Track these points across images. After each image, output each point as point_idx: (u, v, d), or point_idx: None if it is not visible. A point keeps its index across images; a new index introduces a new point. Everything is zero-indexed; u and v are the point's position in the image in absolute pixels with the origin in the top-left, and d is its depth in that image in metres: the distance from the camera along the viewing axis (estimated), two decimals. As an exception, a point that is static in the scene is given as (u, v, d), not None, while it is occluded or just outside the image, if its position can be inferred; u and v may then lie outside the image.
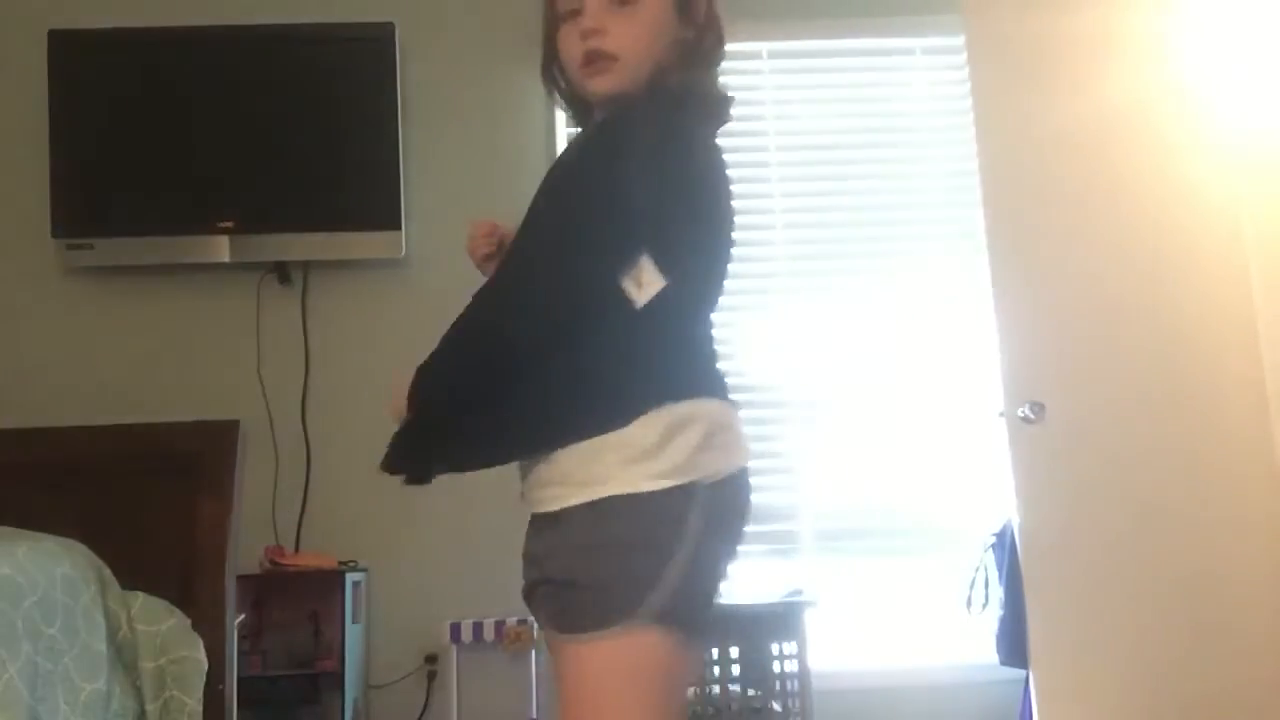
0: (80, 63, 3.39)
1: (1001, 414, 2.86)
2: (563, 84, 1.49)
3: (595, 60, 1.38)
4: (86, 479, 2.12)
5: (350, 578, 3.11)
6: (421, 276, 3.47)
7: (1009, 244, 2.92)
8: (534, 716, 3.21)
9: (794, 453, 3.46)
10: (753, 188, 3.60)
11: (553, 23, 1.44)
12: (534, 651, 3.23)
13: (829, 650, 3.21)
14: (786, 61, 3.67)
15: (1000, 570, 3.04)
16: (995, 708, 3.19)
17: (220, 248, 3.34)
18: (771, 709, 2.92)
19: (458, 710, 3.20)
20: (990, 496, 3.19)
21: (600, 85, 1.39)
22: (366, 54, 3.43)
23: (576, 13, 1.39)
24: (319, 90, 3.44)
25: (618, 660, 1.25)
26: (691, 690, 2.92)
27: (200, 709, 1.90)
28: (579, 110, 1.51)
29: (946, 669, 3.29)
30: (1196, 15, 3.02)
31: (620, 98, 1.38)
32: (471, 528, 3.31)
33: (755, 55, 3.65)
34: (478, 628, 3.21)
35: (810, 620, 3.00)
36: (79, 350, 3.39)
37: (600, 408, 1.28)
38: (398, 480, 1.57)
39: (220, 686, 1.96)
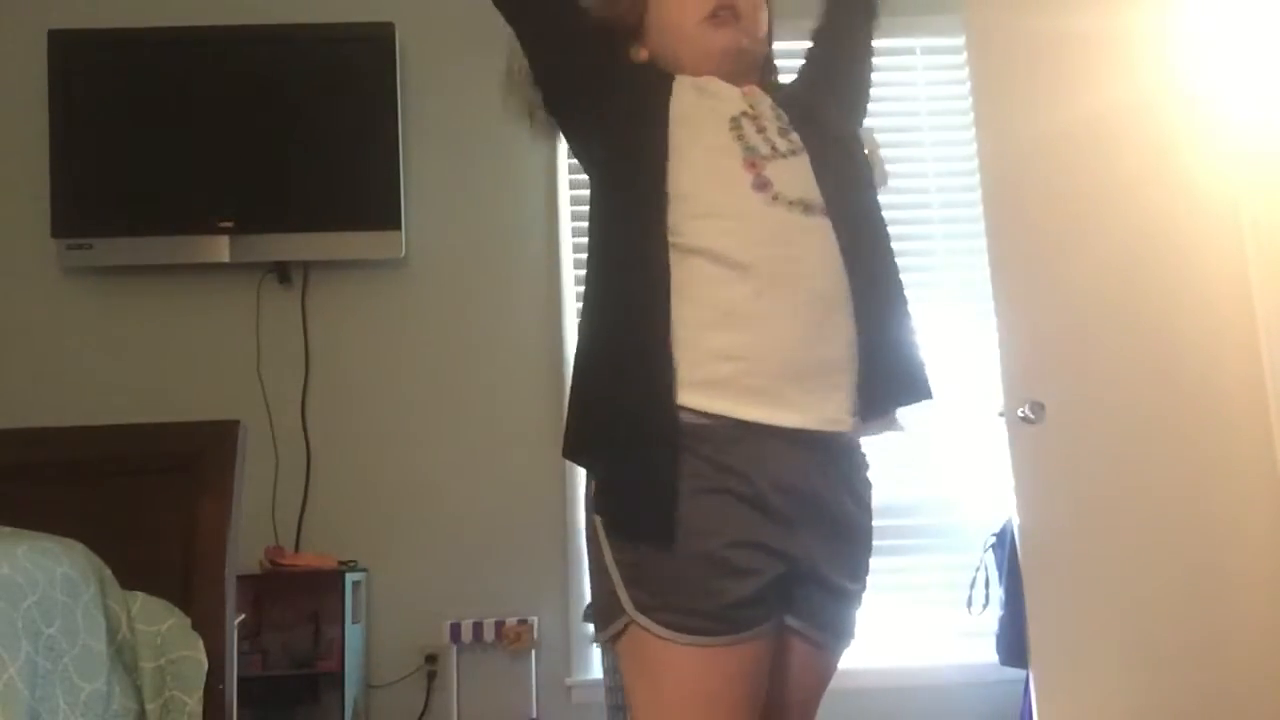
0: (80, 63, 3.39)
1: (1001, 414, 2.86)
2: (625, 62, 1.48)
3: (721, 13, 1.42)
4: (86, 479, 2.12)
5: (350, 578, 3.11)
6: (421, 276, 3.48)
7: (1009, 244, 2.92)
8: (534, 716, 3.21)
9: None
10: (753, 188, 3.60)
11: None
12: (534, 651, 3.23)
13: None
14: (787, 61, 3.65)
15: (1000, 570, 3.04)
16: (995, 708, 3.19)
17: (220, 248, 3.34)
18: (771, 709, 2.92)
19: (458, 710, 3.20)
20: (990, 496, 3.19)
21: (726, 37, 1.43)
22: (366, 54, 3.44)
23: None
24: (319, 90, 3.44)
25: None
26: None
27: (200, 709, 1.90)
28: (645, 72, 1.47)
29: (946, 669, 3.29)
30: (1196, 15, 3.02)
31: (737, 55, 1.44)
32: (471, 528, 3.31)
33: (755, 55, 3.65)
34: (478, 628, 3.22)
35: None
36: (79, 350, 3.39)
37: None
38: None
39: (220, 686, 1.95)
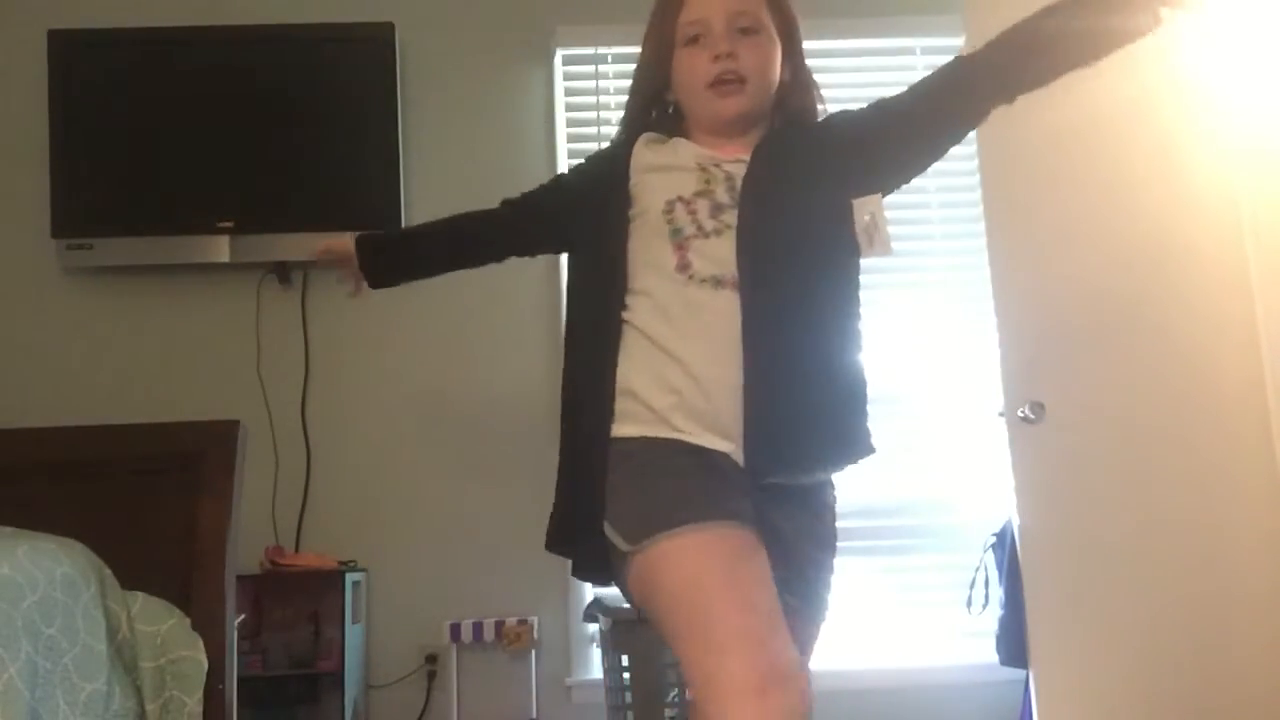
0: (80, 63, 3.39)
1: (1001, 414, 2.86)
2: (666, 104, 1.62)
3: (727, 82, 1.53)
4: (86, 479, 2.12)
5: (350, 578, 3.11)
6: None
7: (1009, 243, 2.92)
8: (534, 716, 3.21)
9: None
10: (753, 188, 3.60)
11: (667, 47, 1.58)
12: (534, 651, 3.23)
13: (829, 650, 3.21)
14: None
15: (1000, 570, 3.04)
16: (995, 708, 3.19)
17: (220, 248, 3.34)
18: (771, 709, 2.92)
19: (458, 710, 3.20)
20: (990, 496, 3.19)
21: (731, 106, 1.54)
22: (366, 54, 3.43)
23: (697, 39, 1.55)
24: (319, 90, 3.44)
25: None
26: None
27: (200, 709, 1.90)
28: (658, 126, 1.64)
29: (946, 669, 3.29)
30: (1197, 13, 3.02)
31: (746, 117, 1.55)
32: (471, 528, 3.31)
33: (755, 55, 3.65)
34: (478, 628, 3.22)
35: (810, 620, 2.99)
36: (79, 350, 3.39)
37: None
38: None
39: (220, 686, 1.95)
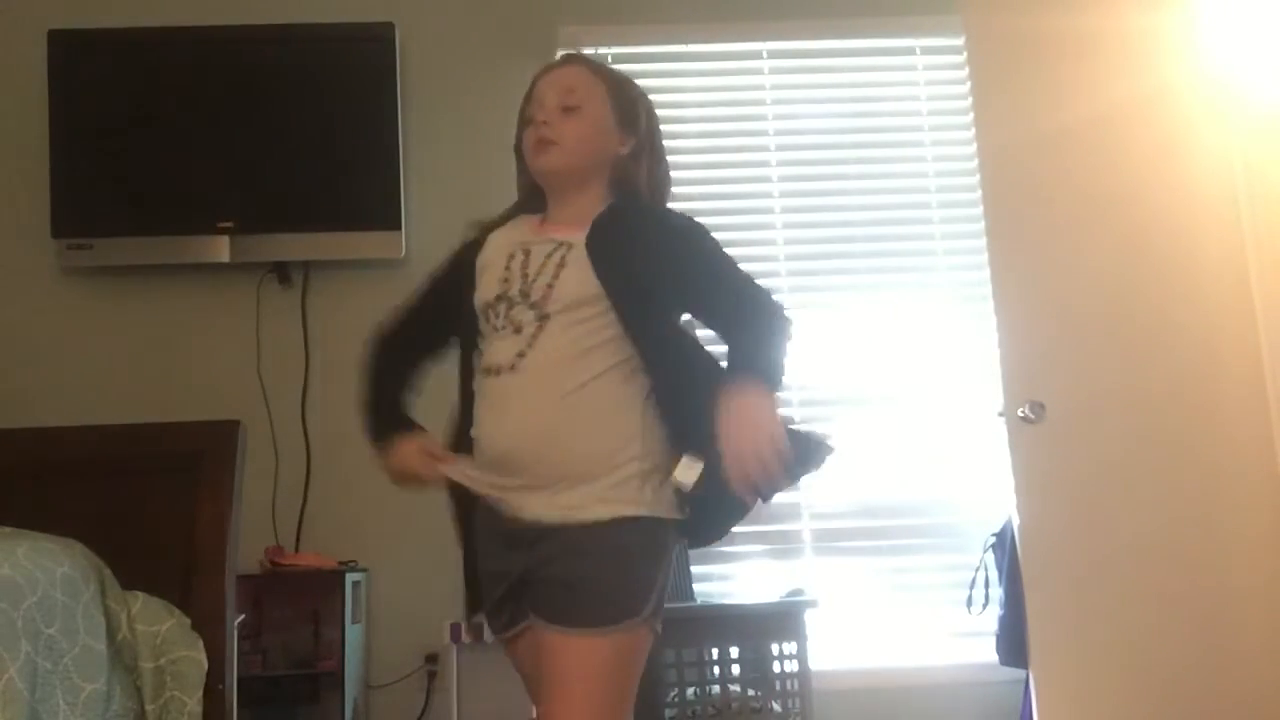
0: (80, 63, 3.39)
1: (1001, 414, 2.86)
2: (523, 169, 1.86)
3: (540, 144, 1.76)
4: (86, 479, 2.12)
5: (350, 578, 3.11)
6: (421, 276, 3.46)
7: (1009, 244, 2.92)
8: (534, 717, 3.21)
9: (794, 453, 3.46)
10: (752, 187, 3.60)
11: (523, 127, 1.82)
12: (534, 651, 3.23)
13: (829, 650, 3.21)
14: (786, 61, 3.67)
15: (1000, 570, 3.04)
16: (995, 708, 3.19)
17: (220, 248, 3.34)
18: (771, 709, 2.92)
19: (458, 710, 3.20)
20: (990, 496, 3.19)
21: (541, 162, 1.78)
22: (366, 54, 3.43)
23: (534, 118, 1.79)
24: (319, 90, 3.44)
25: (624, 651, 1.62)
26: (691, 690, 2.92)
27: (200, 709, 1.90)
28: (529, 194, 1.88)
29: (946, 669, 3.29)
30: (1196, 15, 3.02)
31: (558, 174, 1.78)
32: (471, 528, 3.31)
33: (755, 55, 3.65)
34: (478, 628, 3.21)
35: (810, 620, 3.00)
36: (79, 350, 3.39)
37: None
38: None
39: (220, 686, 1.96)
